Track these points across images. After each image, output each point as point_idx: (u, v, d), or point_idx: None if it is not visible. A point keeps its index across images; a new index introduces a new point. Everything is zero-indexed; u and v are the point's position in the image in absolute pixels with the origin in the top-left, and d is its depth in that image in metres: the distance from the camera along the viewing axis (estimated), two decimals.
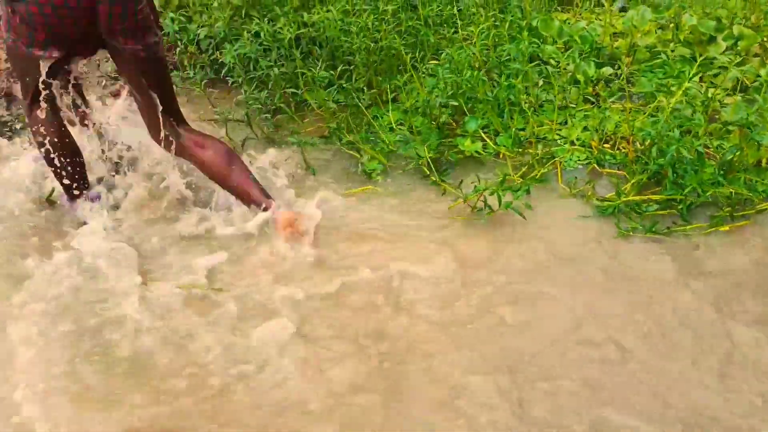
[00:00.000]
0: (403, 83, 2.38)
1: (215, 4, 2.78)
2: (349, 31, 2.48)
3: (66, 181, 1.93)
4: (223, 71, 2.58)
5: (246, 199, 1.87)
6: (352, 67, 2.43)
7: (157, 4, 2.54)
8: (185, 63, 2.70)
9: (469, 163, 2.10)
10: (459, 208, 1.89)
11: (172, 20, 2.77)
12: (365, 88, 2.43)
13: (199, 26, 2.78)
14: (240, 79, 2.47)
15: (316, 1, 2.74)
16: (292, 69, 2.51)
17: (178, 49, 2.73)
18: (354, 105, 2.34)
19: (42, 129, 1.86)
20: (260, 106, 2.39)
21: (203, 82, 2.50)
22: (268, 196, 1.85)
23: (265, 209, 1.82)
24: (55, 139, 1.88)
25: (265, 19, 2.61)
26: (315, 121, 2.41)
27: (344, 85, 2.36)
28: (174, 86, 2.01)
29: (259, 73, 2.45)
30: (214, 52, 2.72)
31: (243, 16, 2.74)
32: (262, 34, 2.51)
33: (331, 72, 2.37)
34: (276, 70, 2.42)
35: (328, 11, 2.56)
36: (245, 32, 2.53)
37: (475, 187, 1.85)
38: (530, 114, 2.12)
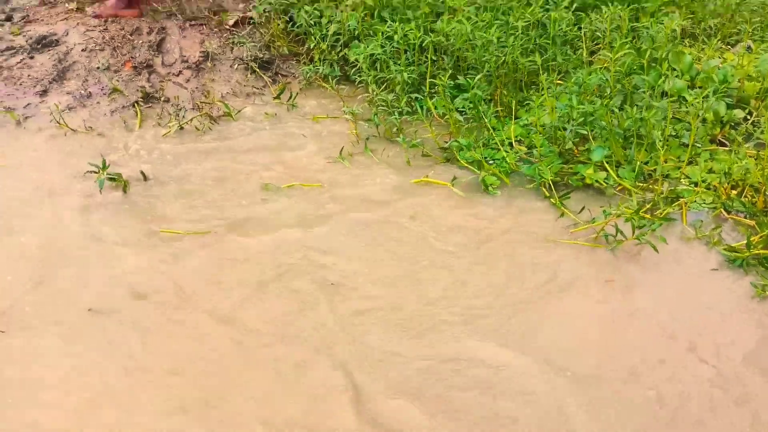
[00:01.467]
0: (525, 99, 2.43)
1: (348, 2, 2.89)
2: (476, 44, 2.53)
3: None
4: (352, 71, 2.69)
5: None
6: (476, 79, 2.49)
7: None
8: (316, 58, 2.83)
9: (588, 191, 2.14)
10: (579, 233, 1.93)
11: (307, 13, 2.91)
12: (488, 100, 2.49)
13: (329, 21, 2.90)
14: (368, 79, 2.57)
15: (446, 9, 2.81)
16: (418, 74, 2.61)
17: (311, 43, 2.86)
18: (477, 116, 2.41)
19: None
20: (386, 108, 2.49)
21: (334, 80, 2.62)
22: None
23: None
24: None
25: (396, 22, 2.69)
26: (436, 126, 2.49)
27: (468, 96, 2.42)
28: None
29: (389, 76, 2.55)
30: (342, 49, 2.83)
31: (374, 16, 2.85)
32: (395, 37, 2.60)
33: (458, 79, 2.45)
34: (405, 74, 2.50)
35: (458, 21, 2.62)
36: (379, 33, 2.63)
37: (604, 210, 1.89)
38: (658, 149, 2.12)
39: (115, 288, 1.69)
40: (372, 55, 2.63)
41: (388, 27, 2.67)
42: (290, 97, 2.68)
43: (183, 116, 2.46)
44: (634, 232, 1.80)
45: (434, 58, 2.63)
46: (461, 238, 1.91)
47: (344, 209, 2.03)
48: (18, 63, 2.82)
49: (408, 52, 2.65)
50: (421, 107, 2.46)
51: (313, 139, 2.45)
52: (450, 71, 2.47)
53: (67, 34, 3.02)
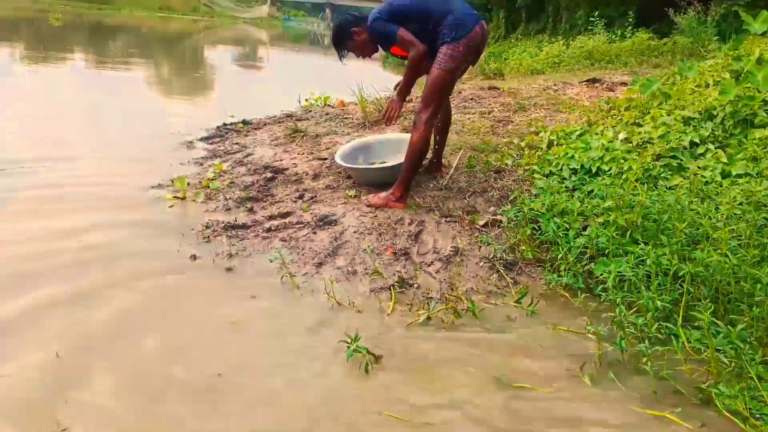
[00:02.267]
0: None
1: (600, 219, 3.00)
2: (740, 277, 2.39)
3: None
4: (597, 286, 2.72)
5: None
6: (738, 328, 2.31)
7: (542, 209, 2.98)
8: (561, 269, 2.92)
9: None
10: None
11: (555, 224, 3.07)
12: (756, 343, 2.28)
13: (577, 234, 3.01)
14: (616, 299, 2.55)
15: (704, 237, 2.75)
16: (670, 300, 2.52)
17: (557, 253, 2.98)
18: (738, 363, 2.21)
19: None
20: (635, 333, 2.42)
21: (581, 295, 2.65)
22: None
23: None
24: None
25: (649, 246, 2.69)
26: (690, 361, 2.33)
27: (730, 336, 2.25)
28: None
29: (639, 300, 2.51)
30: (588, 263, 2.89)
31: (625, 236, 2.89)
32: (647, 261, 2.59)
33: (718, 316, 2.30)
34: (658, 302, 2.44)
35: (720, 254, 2.53)
36: (631, 255, 2.65)
37: None
38: None
39: None
40: (620, 273, 2.64)
41: (639, 249, 2.68)
42: (531, 303, 2.76)
43: (433, 307, 2.67)
44: None
45: (690, 288, 2.53)
46: None
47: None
48: (303, 236, 3.38)
49: (660, 277, 2.60)
50: (675, 337, 2.35)
51: (552, 349, 2.46)
52: (709, 304, 2.35)
53: (344, 216, 3.57)
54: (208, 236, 3.40)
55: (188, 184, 4.14)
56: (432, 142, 3.96)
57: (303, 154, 4.89)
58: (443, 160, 4.18)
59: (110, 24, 23.39)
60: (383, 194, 3.66)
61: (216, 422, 1.98)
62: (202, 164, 4.82)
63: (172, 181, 4.25)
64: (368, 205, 3.63)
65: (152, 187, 4.18)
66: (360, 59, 3.86)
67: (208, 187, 4.21)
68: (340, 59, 3.76)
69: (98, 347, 2.34)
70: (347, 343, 2.31)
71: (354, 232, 3.38)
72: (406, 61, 3.59)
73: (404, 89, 3.66)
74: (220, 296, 2.77)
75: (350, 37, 3.64)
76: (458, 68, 3.53)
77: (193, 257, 3.11)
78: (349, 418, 2.01)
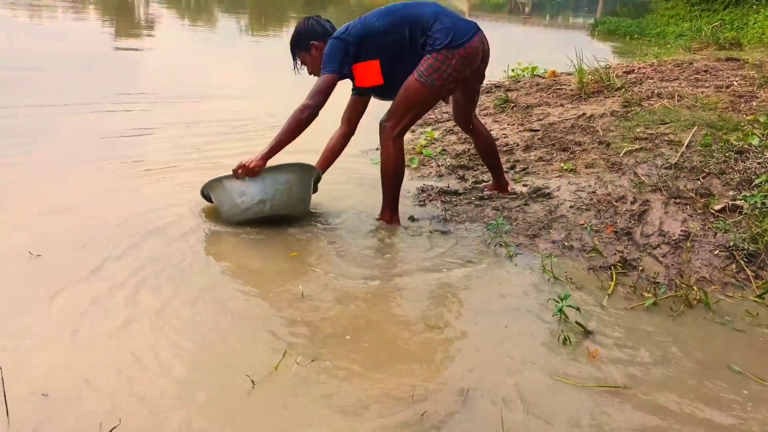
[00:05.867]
0: None
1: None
2: None
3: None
4: None
5: None
6: None
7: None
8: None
9: None
10: None
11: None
12: None
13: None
14: None
15: None
16: None
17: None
18: None
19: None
20: None
21: None
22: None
23: None
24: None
25: None
26: None
27: None
28: None
29: None
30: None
31: None
32: None
33: None
34: None
35: None
36: None
37: None
38: None
39: None
40: None
41: None
42: None
43: (662, 292, 2.50)
44: None
45: None
46: None
47: None
48: (516, 207, 3.36)
49: None
50: None
51: None
52: None
53: (559, 189, 3.47)
54: (423, 200, 3.54)
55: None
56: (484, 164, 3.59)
57: (513, 125, 4.83)
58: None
59: None
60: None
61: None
62: (413, 131, 4.99)
63: None
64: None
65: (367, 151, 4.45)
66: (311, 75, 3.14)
67: (421, 153, 4.36)
68: (294, 67, 3.14)
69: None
70: (556, 301, 2.28)
71: (570, 206, 3.27)
72: (374, 95, 3.10)
73: (268, 153, 2.83)
74: (435, 258, 2.87)
75: (307, 49, 3.04)
76: (445, 87, 2.88)
77: (411, 218, 3.26)
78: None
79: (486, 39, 2.97)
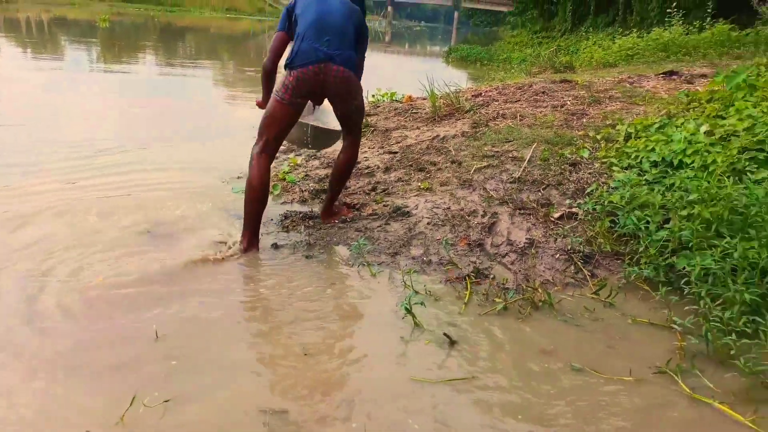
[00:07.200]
0: None
1: (683, 213, 2.92)
2: None
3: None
4: (679, 279, 2.65)
5: None
6: None
7: (621, 201, 2.90)
8: (642, 262, 2.87)
9: None
10: None
11: (636, 217, 3.02)
12: None
13: (658, 228, 2.95)
14: (700, 292, 2.49)
15: None
16: (759, 294, 2.44)
17: (638, 247, 2.93)
18: None
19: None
20: (721, 326, 2.35)
21: (663, 288, 2.60)
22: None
23: None
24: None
25: (735, 239, 2.62)
26: None
27: None
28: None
29: (725, 293, 2.44)
30: (670, 257, 2.83)
31: (710, 229, 2.81)
32: (734, 254, 2.52)
33: None
34: (746, 295, 2.37)
35: None
36: (717, 248, 2.58)
37: None
38: None
39: None
40: (704, 267, 2.57)
41: (725, 243, 2.61)
42: (609, 295, 2.73)
43: (510, 296, 2.68)
44: None
45: None
46: None
47: None
48: (378, 227, 3.45)
49: (747, 271, 2.52)
50: (764, 332, 2.27)
51: (626, 342, 2.43)
52: None
53: (417, 207, 3.62)
54: (287, 226, 3.53)
55: None
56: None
57: (374, 148, 4.97)
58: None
59: (179, 25, 24.33)
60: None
61: None
62: (276, 158, 4.97)
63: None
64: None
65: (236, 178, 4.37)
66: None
67: (284, 179, 4.35)
68: None
69: None
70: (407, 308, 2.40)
71: (427, 223, 3.43)
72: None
73: (263, 97, 3.38)
74: (301, 282, 2.87)
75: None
76: (293, 103, 3.08)
77: (275, 245, 3.24)
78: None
79: (336, 73, 3.03)
